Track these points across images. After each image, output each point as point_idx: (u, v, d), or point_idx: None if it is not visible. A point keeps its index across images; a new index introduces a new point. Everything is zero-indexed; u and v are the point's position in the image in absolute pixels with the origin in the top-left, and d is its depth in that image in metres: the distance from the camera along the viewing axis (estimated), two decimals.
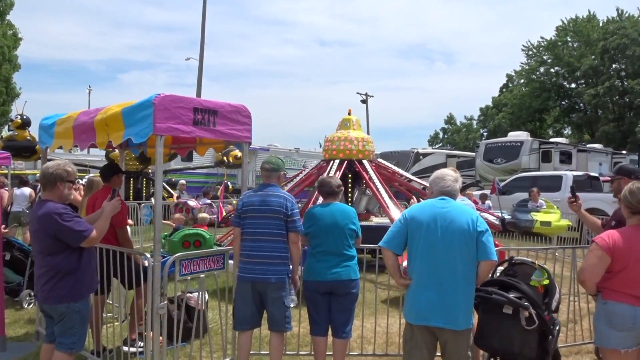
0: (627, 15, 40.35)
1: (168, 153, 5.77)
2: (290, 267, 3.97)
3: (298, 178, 9.78)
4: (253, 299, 3.90)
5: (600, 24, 41.79)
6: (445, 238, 3.12)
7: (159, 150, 3.69)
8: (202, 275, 4.11)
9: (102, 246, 4.12)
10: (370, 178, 8.78)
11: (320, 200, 4.54)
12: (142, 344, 4.41)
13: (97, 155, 21.19)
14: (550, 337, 3.33)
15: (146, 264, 4.09)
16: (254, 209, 3.90)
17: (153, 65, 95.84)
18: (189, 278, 4.04)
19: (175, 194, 14.09)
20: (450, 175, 3.40)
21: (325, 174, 8.81)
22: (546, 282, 3.46)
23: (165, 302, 3.82)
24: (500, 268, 3.80)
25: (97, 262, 4.12)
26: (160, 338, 3.87)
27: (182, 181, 14.64)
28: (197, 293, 4.64)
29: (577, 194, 4.67)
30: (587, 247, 6.42)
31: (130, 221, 7.24)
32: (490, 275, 3.70)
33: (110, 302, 5.52)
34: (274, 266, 3.84)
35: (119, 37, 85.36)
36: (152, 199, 16.69)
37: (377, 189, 8.59)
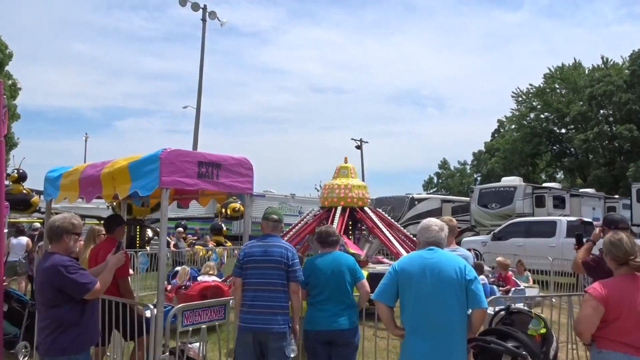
0: (611, 63, 41.75)
1: (170, 203, 5.86)
2: (291, 316, 4.02)
3: (298, 226, 9.87)
4: (254, 349, 3.92)
5: (587, 72, 43.13)
6: (436, 288, 3.20)
7: (164, 203, 3.81)
8: (203, 326, 4.14)
9: (104, 297, 4.16)
10: (375, 224, 8.91)
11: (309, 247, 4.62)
12: None
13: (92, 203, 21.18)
14: None
15: (147, 315, 4.13)
16: (256, 259, 3.98)
17: (149, 112, 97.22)
18: (190, 329, 4.07)
19: (172, 242, 14.07)
20: (435, 225, 3.48)
21: (328, 222, 8.95)
22: (543, 330, 3.53)
23: (167, 353, 3.84)
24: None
25: (99, 313, 4.16)
26: None
27: (180, 228, 14.66)
28: (197, 344, 4.65)
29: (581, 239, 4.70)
30: (582, 295, 6.51)
31: (131, 271, 7.28)
32: (488, 324, 3.77)
33: (109, 354, 5.48)
34: (275, 316, 3.89)
35: (115, 85, 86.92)
36: (148, 247, 16.70)
37: (384, 234, 8.72)
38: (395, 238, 8.92)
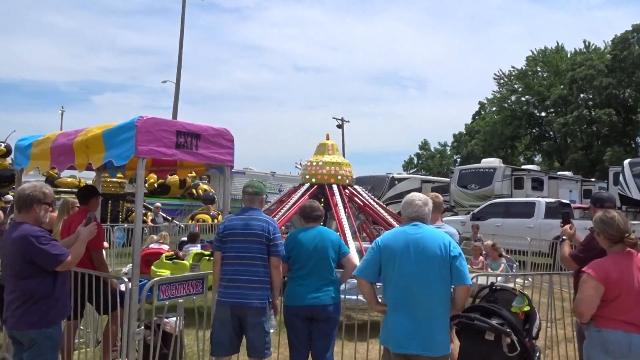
0: (593, 47, 42.09)
1: (147, 175, 5.67)
2: (271, 292, 3.93)
3: (289, 204, 9.74)
4: (232, 324, 3.83)
5: (569, 55, 43.44)
6: (419, 264, 3.14)
7: (140, 173, 3.65)
8: (180, 300, 4.02)
9: (77, 270, 4.01)
10: (336, 204, 8.80)
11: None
12: None
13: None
14: None
15: (122, 288, 3.99)
16: (236, 233, 3.87)
17: (127, 87, 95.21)
18: (167, 303, 3.94)
19: (150, 217, 13.85)
20: (418, 199, 3.40)
21: (294, 199, 8.87)
22: (527, 308, 3.49)
23: (142, 327, 3.72)
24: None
25: (72, 286, 4.00)
26: None
27: (158, 204, 14.42)
28: (173, 318, 4.53)
29: (570, 220, 4.63)
30: (564, 274, 6.55)
31: (105, 244, 7.08)
32: (472, 300, 3.73)
33: (82, 327, 5.35)
34: (255, 291, 3.80)
35: (93, 59, 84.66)
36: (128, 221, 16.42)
37: (340, 216, 8.61)
38: (352, 221, 8.95)
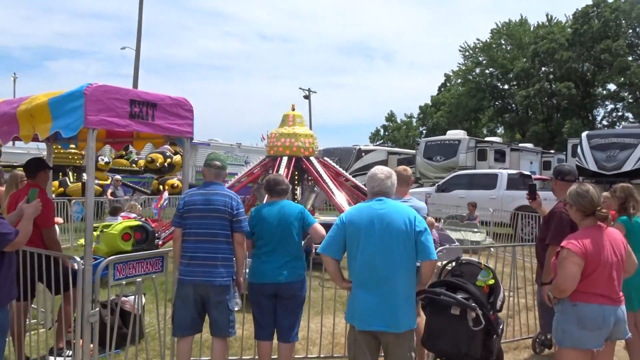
0: (555, 20, 42.69)
1: (101, 147, 5.40)
2: (235, 269, 3.80)
3: (241, 174, 9.56)
4: (194, 302, 3.69)
5: (532, 29, 43.94)
6: (384, 240, 3.06)
7: (91, 144, 3.40)
8: (138, 279, 3.84)
9: (25, 249, 3.77)
10: (320, 175, 8.71)
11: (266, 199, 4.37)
12: (70, 352, 4.08)
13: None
14: (494, 336, 3.36)
15: (75, 267, 3.79)
16: (197, 209, 3.70)
17: (84, 53, 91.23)
18: (124, 283, 3.76)
19: (109, 190, 13.40)
20: (381, 173, 3.29)
21: (273, 172, 8.66)
22: (492, 281, 3.49)
23: (97, 309, 3.53)
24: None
25: (21, 266, 3.77)
26: (91, 346, 3.59)
27: (117, 176, 13.95)
28: (132, 296, 4.36)
29: (536, 192, 4.65)
30: (527, 245, 6.65)
31: (59, 219, 6.77)
32: (437, 275, 3.70)
33: (35, 306, 5.11)
34: (217, 268, 3.66)
35: (47, 23, 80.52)
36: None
37: (327, 185, 8.54)
38: (340, 190, 8.78)
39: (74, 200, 11.70)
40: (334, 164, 9.76)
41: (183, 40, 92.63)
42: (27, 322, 4.39)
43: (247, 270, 4.07)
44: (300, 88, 42.03)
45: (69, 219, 11.18)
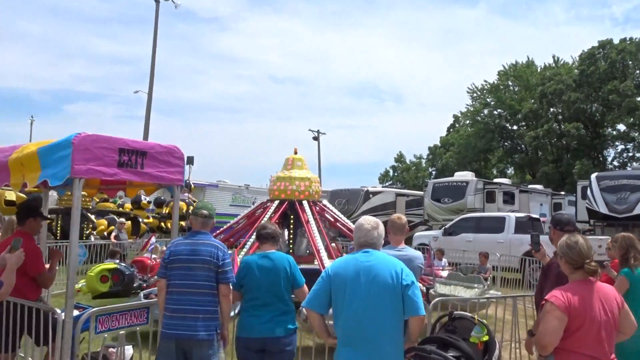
0: (562, 62, 43.14)
1: (95, 194, 5.38)
2: (220, 322, 3.68)
3: (241, 218, 9.50)
4: (177, 357, 3.55)
5: (538, 70, 44.39)
6: (370, 294, 2.95)
7: (77, 194, 3.38)
8: (121, 332, 3.74)
9: (9, 299, 3.71)
10: (308, 220, 8.60)
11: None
12: None
13: None
14: None
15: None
16: (182, 259, 3.62)
17: (101, 97, 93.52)
18: (105, 335, 3.65)
19: (113, 234, 13.38)
20: (367, 223, 3.20)
21: (264, 217, 8.59)
22: (486, 338, 3.34)
23: None
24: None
25: (4, 317, 3.71)
26: None
27: (122, 219, 13.96)
28: (124, 347, 4.23)
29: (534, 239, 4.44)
30: (529, 296, 6.43)
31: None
32: (430, 329, 3.55)
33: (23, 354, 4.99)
34: (201, 321, 3.54)
35: (66, 67, 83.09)
36: (91, 237, 15.88)
37: (312, 232, 8.39)
38: (324, 237, 8.63)
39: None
40: (333, 210, 9.66)
41: (196, 82, 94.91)
42: None
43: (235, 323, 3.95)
44: (309, 129, 42.46)
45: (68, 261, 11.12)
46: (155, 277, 4.95)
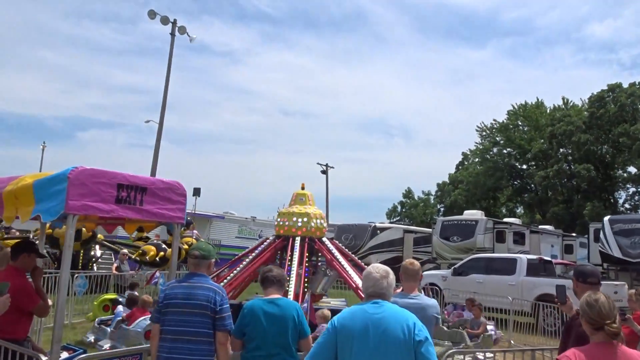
0: (571, 104, 43.19)
1: (94, 228, 5.19)
2: None
3: (251, 256, 9.26)
4: None
5: (548, 111, 44.44)
6: (379, 350, 2.69)
7: (69, 232, 3.19)
8: None
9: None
10: (334, 257, 8.39)
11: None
12: None
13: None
14: None
15: None
16: (177, 303, 3.37)
17: (114, 125, 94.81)
18: None
19: (114, 264, 13.15)
20: (376, 272, 2.96)
21: (288, 253, 8.36)
22: None
23: None
24: None
25: None
26: None
27: (124, 250, 13.72)
28: None
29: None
30: (547, 349, 6.08)
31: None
32: None
33: None
34: None
35: (81, 96, 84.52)
36: (94, 266, 15.62)
37: (343, 267, 8.20)
38: (353, 270, 8.43)
39: (76, 275, 11.43)
40: (329, 246, 9.41)
41: (207, 113, 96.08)
42: None
43: None
44: (318, 163, 42.40)
45: (72, 294, 10.87)
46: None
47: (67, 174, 3.19)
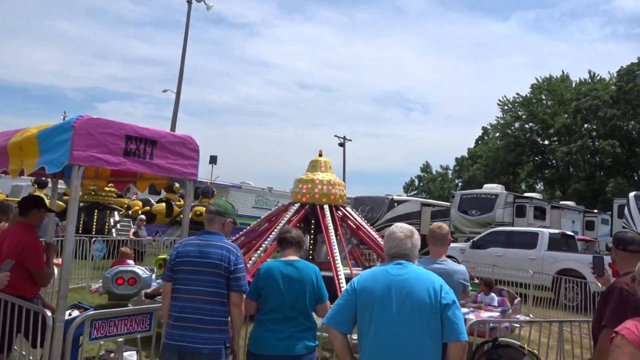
0: (598, 77, 41.78)
1: (105, 186, 5.03)
2: (230, 334, 3.26)
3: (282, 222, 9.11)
4: None
5: (573, 85, 43.13)
6: (402, 313, 2.50)
7: (75, 183, 3.02)
8: (120, 339, 3.35)
9: (1, 296, 3.37)
10: (327, 226, 8.14)
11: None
12: None
13: None
14: None
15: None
16: (189, 261, 3.20)
17: (132, 96, 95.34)
18: (101, 342, 3.27)
19: (132, 230, 13.17)
20: (400, 231, 2.75)
21: (282, 221, 8.16)
22: None
23: None
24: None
25: None
26: None
27: (142, 216, 13.71)
28: (127, 353, 3.85)
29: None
30: (575, 322, 5.83)
31: (58, 260, 6.38)
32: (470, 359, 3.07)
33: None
34: (207, 333, 3.12)
35: (100, 67, 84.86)
36: (114, 231, 15.70)
37: (330, 237, 7.95)
38: (343, 245, 8.30)
39: (94, 238, 11.47)
40: (355, 217, 9.17)
41: (224, 86, 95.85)
42: None
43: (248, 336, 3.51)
44: (335, 136, 42.03)
45: (88, 257, 10.93)
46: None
47: (72, 123, 3.01)
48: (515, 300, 7.93)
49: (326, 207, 8.38)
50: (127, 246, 11.36)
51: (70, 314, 3.92)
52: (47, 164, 3.09)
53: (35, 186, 13.56)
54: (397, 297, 2.53)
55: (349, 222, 8.92)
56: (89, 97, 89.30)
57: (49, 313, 3.08)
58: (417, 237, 2.79)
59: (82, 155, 3.01)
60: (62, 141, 3.04)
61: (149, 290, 6.93)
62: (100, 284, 7.79)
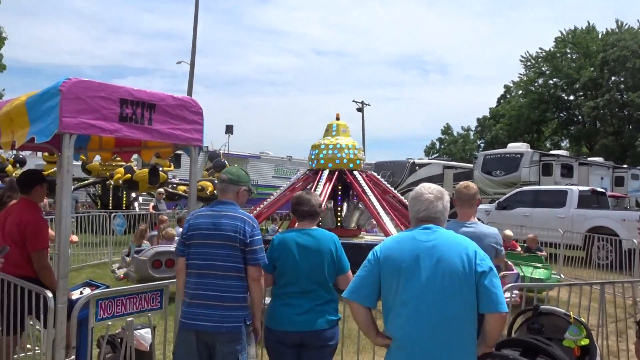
0: (626, 27, 39.85)
1: (110, 158, 4.81)
2: (250, 311, 3.02)
3: (281, 190, 8.85)
4: (199, 353, 2.91)
5: (600, 36, 41.31)
6: (432, 283, 2.22)
7: (66, 153, 2.76)
8: (129, 319, 3.14)
9: (3, 277, 3.20)
10: (363, 190, 7.88)
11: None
12: None
13: None
14: None
15: (74, 297, 3.19)
16: (202, 234, 2.94)
17: (149, 71, 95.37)
18: (109, 323, 3.06)
19: (152, 204, 13.09)
20: (429, 192, 2.45)
21: (313, 186, 7.89)
22: (585, 342, 2.55)
23: (73, 357, 2.87)
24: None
25: (5, 296, 3.22)
26: None
27: (161, 190, 13.59)
28: (142, 330, 3.68)
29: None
30: (617, 283, 5.45)
31: (75, 238, 6.24)
32: (508, 328, 2.79)
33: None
34: (225, 310, 2.87)
35: (115, 43, 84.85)
36: (136, 204, 15.66)
37: (371, 202, 7.69)
38: (387, 209, 7.88)
39: (114, 214, 11.42)
40: (381, 180, 8.86)
41: (238, 56, 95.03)
42: (17, 356, 3.82)
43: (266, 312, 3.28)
44: (353, 101, 41.26)
45: (110, 233, 10.91)
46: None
47: (59, 87, 2.72)
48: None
49: (357, 172, 8.09)
50: (148, 220, 11.32)
51: (81, 292, 3.76)
52: (36, 133, 2.83)
53: (17, 165, 13.26)
54: (426, 266, 2.24)
55: (356, 186, 8.62)
56: (106, 74, 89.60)
57: (49, 294, 2.88)
58: (447, 199, 2.48)
59: (72, 122, 2.74)
60: (50, 107, 2.77)
61: None
62: (130, 269, 7.27)
